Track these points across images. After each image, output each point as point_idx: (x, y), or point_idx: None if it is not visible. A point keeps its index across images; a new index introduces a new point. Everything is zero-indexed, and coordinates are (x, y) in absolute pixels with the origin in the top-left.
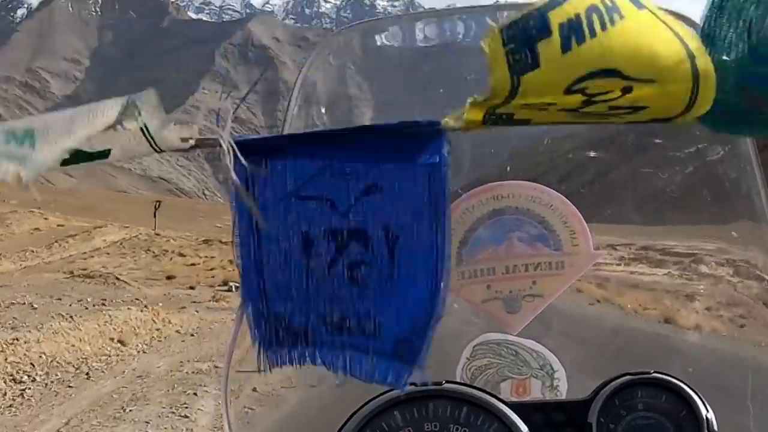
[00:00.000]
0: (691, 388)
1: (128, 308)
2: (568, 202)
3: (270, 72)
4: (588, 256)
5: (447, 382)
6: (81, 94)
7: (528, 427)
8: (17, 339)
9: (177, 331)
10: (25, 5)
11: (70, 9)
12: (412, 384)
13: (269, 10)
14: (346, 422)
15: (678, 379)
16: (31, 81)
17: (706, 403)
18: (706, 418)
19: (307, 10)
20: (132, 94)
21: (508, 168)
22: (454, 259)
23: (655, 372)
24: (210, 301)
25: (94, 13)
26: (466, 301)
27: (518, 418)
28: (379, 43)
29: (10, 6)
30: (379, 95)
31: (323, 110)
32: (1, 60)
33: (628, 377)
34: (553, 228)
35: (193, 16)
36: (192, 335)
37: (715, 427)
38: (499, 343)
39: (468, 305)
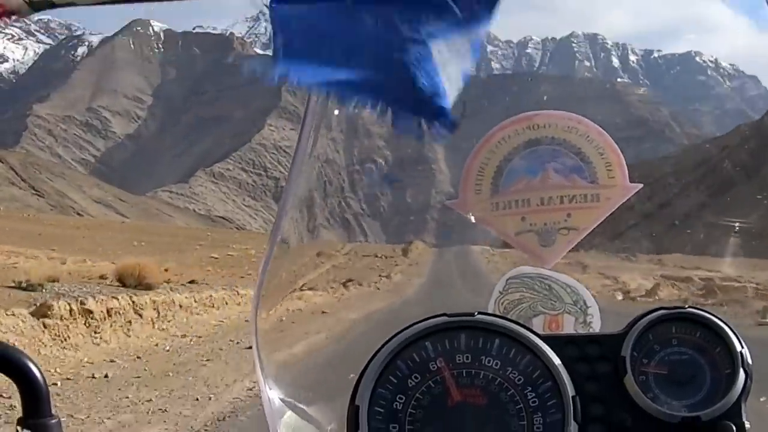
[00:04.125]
0: (725, 324)
1: None
2: (605, 133)
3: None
4: (624, 189)
5: (479, 313)
6: (143, 132)
7: (561, 360)
8: None
9: None
10: (86, 43)
11: (132, 46)
12: (444, 315)
13: None
14: (377, 353)
15: (713, 315)
16: (91, 120)
17: (740, 338)
18: (741, 353)
19: None
20: (195, 131)
21: (545, 97)
22: (488, 189)
23: (689, 307)
24: None
25: (156, 50)
26: (499, 233)
27: (551, 350)
28: None
29: (70, 44)
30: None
31: None
32: (60, 99)
33: (662, 311)
34: (589, 159)
35: (259, 51)
36: None
37: (749, 361)
38: (533, 277)
39: (502, 237)
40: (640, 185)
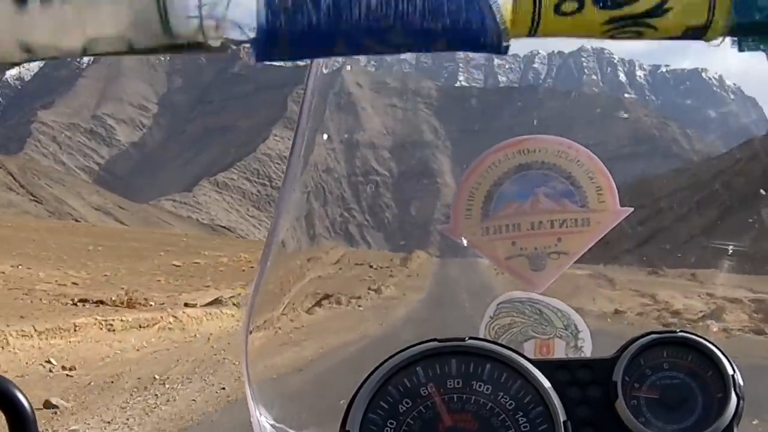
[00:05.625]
0: (717, 348)
1: None
2: (595, 157)
3: (352, 118)
4: (614, 213)
5: (470, 338)
6: (148, 141)
7: (552, 385)
8: None
9: None
10: None
11: None
12: (434, 340)
13: (356, 57)
14: (367, 378)
15: (704, 339)
16: (96, 128)
17: (732, 362)
18: (733, 377)
19: (387, 57)
20: (201, 140)
21: (535, 122)
22: (479, 214)
23: (681, 331)
24: None
25: (162, 58)
26: (490, 258)
27: (542, 375)
28: (457, 84)
29: None
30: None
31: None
32: (65, 106)
33: (653, 336)
34: (580, 184)
35: (266, 62)
36: None
37: (741, 384)
38: (523, 301)
39: (492, 262)
40: (631, 209)
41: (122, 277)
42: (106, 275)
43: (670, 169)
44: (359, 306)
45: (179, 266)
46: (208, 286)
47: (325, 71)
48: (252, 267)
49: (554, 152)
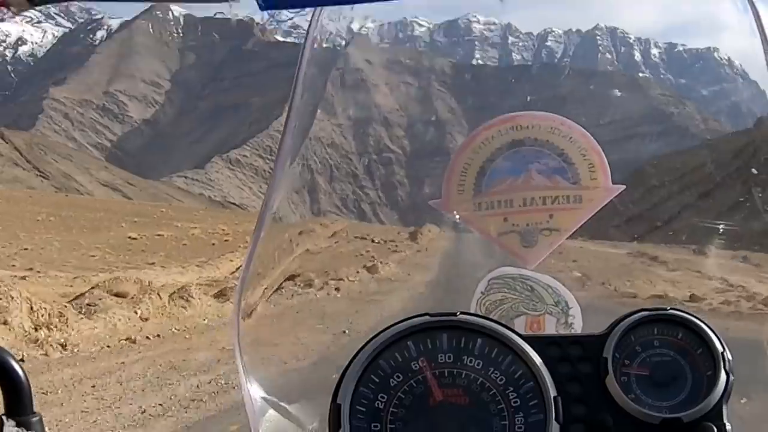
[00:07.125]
0: (707, 325)
1: None
2: (588, 134)
3: (361, 95)
4: (606, 191)
5: (462, 313)
6: (160, 117)
7: (543, 361)
8: None
9: None
10: (105, 27)
11: (151, 31)
12: (426, 314)
13: (364, 33)
14: (359, 352)
15: (694, 316)
16: (108, 104)
17: (721, 339)
18: (722, 354)
19: (400, 34)
20: (213, 118)
21: (529, 98)
22: (471, 189)
23: (671, 309)
24: None
25: (175, 35)
26: (482, 234)
27: (533, 351)
28: (474, 62)
29: (89, 28)
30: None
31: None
32: (78, 83)
33: (644, 313)
34: (572, 161)
35: (280, 38)
36: None
37: (731, 361)
38: (515, 277)
39: (484, 238)
40: (623, 186)
41: (48, 251)
42: (26, 249)
43: (686, 147)
44: (336, 291)
45: (134, 239)
46: (152, 263)
47: (324, 45)
48: (227, 240)
49: (547, 129)
